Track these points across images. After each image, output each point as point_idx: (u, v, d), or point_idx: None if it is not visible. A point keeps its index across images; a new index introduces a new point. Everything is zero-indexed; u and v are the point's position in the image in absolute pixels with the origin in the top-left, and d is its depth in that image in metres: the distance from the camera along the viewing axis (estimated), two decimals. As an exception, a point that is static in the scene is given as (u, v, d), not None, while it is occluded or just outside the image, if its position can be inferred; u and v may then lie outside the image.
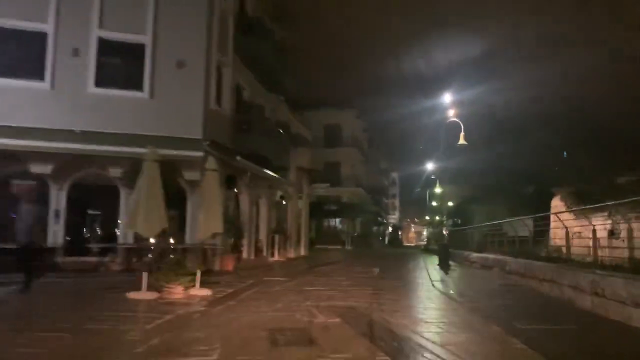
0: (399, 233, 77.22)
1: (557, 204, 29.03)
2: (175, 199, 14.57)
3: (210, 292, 8.76)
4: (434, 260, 23.40)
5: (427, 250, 41.18)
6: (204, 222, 8.97)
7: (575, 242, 16.71)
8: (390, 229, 79.86)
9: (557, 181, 38.41)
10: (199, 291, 8.69)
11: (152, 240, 13.03)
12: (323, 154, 39.02)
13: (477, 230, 25.68)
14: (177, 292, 8.19)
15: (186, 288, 8.40)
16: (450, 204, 55.64)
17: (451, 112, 19.49)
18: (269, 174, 17.30)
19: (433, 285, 11.29)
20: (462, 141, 18.42)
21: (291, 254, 21.98)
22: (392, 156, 75.54)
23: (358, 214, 43.21)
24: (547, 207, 30.67)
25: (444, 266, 17.99)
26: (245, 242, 16.48)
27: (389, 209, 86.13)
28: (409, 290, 10.39)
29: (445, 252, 18.83)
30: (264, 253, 18.66)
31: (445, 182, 40.97)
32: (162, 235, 9.41)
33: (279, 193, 20.46)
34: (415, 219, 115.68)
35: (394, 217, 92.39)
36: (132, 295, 7.90)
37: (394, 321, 6.40)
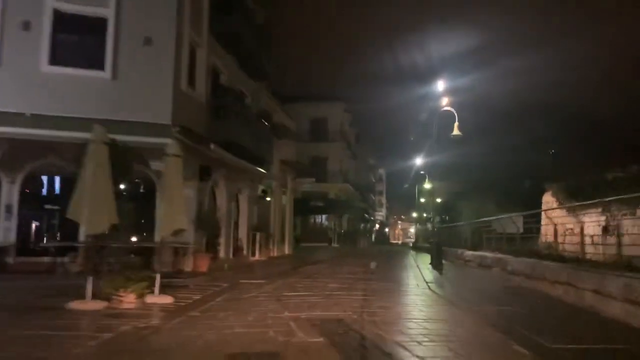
0: (386, 230, 76.24)
1: (548, 199, 28.13)
2: (143, 192, 13.21)
3: (172, 299, 7.41)
4: (424, 258, 22.26)
5: (415, 247, 40.19)
6: (165, 216, 7.59)
7: (567, 239, 14.92)
8: (377, 226, 78.94)
9: (547, 176, 37.74)
10: (159, 298, 7.34)
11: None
12: (309, 149, 37.79)
13: (469, 226, 24.70)
14: (129, 300, 6.82)
15: (141, 295, 7.03)
16: (438, 200, 54.88)
17: (444, 101, 18.32)
18: (248, 166, 15.93)
19: (429, 287, 10.08)
20: (456, 131, 17.26)
21: (274, 252, 20.66)
22: (379, 152, 74.64)
23: (345, 210, 42.06)
24: (537, 203, 29.84)
25: (437, 265, 16.85)
26: (222, 239, 15.12)
27: (375, 205, 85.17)
28: (404, 295, 9.15)
29: (438, 250, 17.67)
30: (245, 252, 17.31)
31: (435, 178, 39.97)
32: (115, 232, 8.00)
33: (261, 187, 19.11)
34: (402, 216, 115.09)
35: (380, 214, 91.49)
36: (74, 305, 6.52)
37: (390, 338, 5.14)
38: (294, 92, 38.78)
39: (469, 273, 14.18)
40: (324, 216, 40.14)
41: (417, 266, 16.77)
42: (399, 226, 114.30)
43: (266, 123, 18.75)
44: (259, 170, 17.40)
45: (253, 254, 17.67)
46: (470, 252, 16.33)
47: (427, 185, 39.17)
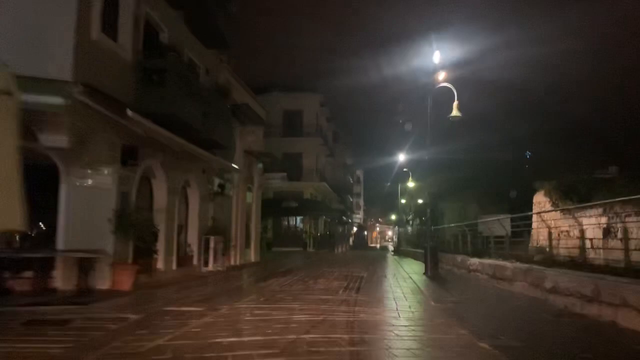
0: (365, 233, 73.12)
1: (540, 200, 25.75)
2: (38, 181, 9.63)
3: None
4: (413, 266, 19.17)
5: (398, 252, 37.03)
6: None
7: (561, 242, 13.86)
8: (355, 229, 75.77)
9: (531, 176, 35.70)
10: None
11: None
12: (282, 144, 34.50)
13: (456, 229, 22.19)
14: None
15: None
16: (420, 201, 52.09)
17: (441, 76, 15.15)
18: (197, 151, 12.44)
19: (444, 318, 6.82)
20: (455, 112, 14.14)
21: (236, 260, 17.15)
22: (357, 152, 71.68)
23: (321, 212, 38.64)
24: (524, 203, 27.06)
25: (434, 275, 13.72)
26: (161, 246, 11.57)
27: (353, 208, 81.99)
28: (412, 337, 5.81)
29: (434, 256, 14.57)
30: (195, 261, 13.79)
31: (419, 177, 36.94)
32: None
33: (218, 181, 15.60)
34: (380, 219, 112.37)
35: (358, 217, 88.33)
36: None
37: None
38: (266, 82, 35.42)
39: (484, 289, 10.95)
40: (298, 218, 36.65)
41: (410, 277, 13.53)
42: (377, 229, 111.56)
43: (226, 102, 15.27)
44: (214, 158, 13.93)
45: (206, 264, 14.14)
46: (476, 260, 13.15)
47: (411, 184, 36.16)
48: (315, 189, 36.92)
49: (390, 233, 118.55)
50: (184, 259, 13.12)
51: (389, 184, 43.43)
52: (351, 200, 78.40)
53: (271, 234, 34.98)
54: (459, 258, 15.21)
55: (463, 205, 46.54)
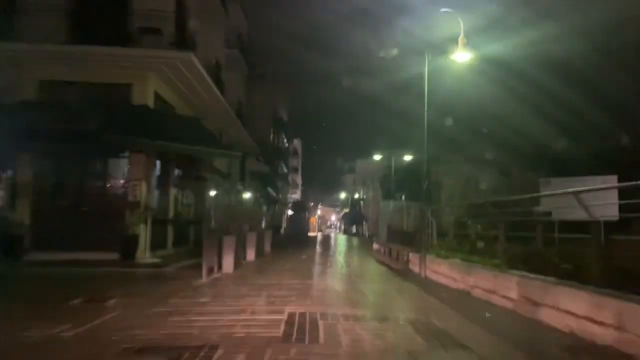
0: (307, 215, 49.80)
1: None
2: None
3: None
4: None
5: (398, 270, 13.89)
6: None
7: None
8: (289, 211, 52.75)
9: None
10: None
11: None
12: None
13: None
14: None
15: None
16: (407, 157, 30.27)
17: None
18: None
19: None
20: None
21: None
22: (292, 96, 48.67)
23: (197, 149, 13.85)
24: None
25: None
26: None
27: (289, 183, 59.31)
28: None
29: None
30: None
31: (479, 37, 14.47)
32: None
33: None
34: (319, 205, 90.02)
35: (294, 198, 65.72)
36: None
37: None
38: None
39: None
40: (125, 165, 12.63)
41: None
42: (318, 212, 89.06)
43: None
44: None
45: None
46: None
47: (463, 55, 13.22)
48: (169, 84, 13.35)
49: (333, 218, 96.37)
50: None
51: (395, 52, 17.56)
52: (285, 170, 55.56)
53: (28, 212, 11.27)
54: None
55: (474, 169, 25.79)
